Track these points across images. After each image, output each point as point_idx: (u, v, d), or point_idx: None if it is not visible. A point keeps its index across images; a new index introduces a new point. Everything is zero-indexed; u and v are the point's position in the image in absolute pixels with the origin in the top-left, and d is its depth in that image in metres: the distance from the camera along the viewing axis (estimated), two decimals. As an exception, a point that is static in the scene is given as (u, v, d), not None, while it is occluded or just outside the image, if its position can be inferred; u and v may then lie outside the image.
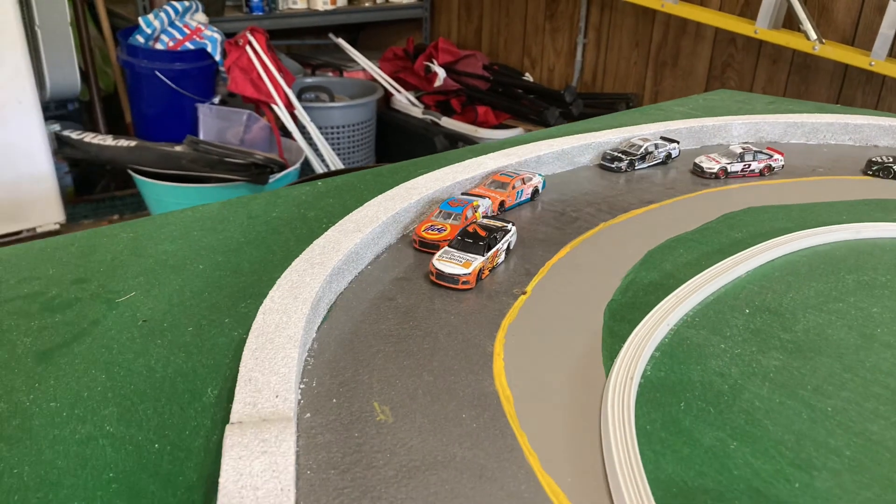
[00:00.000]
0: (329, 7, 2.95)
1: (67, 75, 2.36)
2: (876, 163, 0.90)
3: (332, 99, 2.68)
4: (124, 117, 2.77)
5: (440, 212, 0.69)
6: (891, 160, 0.90)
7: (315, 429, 0.43)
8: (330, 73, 2.99)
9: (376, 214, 0.66)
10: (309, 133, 2.47)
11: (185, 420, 0.44)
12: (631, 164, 0.88)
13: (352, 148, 2.68)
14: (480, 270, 0.61)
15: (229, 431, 0.38)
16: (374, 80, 2.90)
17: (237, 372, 0.44)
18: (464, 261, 0.60)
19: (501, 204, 0.75)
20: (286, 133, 2.45)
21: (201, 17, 2.58)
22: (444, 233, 0.66)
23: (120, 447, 0.42)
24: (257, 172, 2.14)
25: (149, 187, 2.14)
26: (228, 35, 2.47)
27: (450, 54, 2.96)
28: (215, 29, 2.49)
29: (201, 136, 2.40)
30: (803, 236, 0.71)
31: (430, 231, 0.66)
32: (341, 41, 2.93)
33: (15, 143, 1.94)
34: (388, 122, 2.84)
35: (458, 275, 0.59)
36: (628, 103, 2.57)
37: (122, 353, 0.50)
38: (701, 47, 2.40)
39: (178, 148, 2.16)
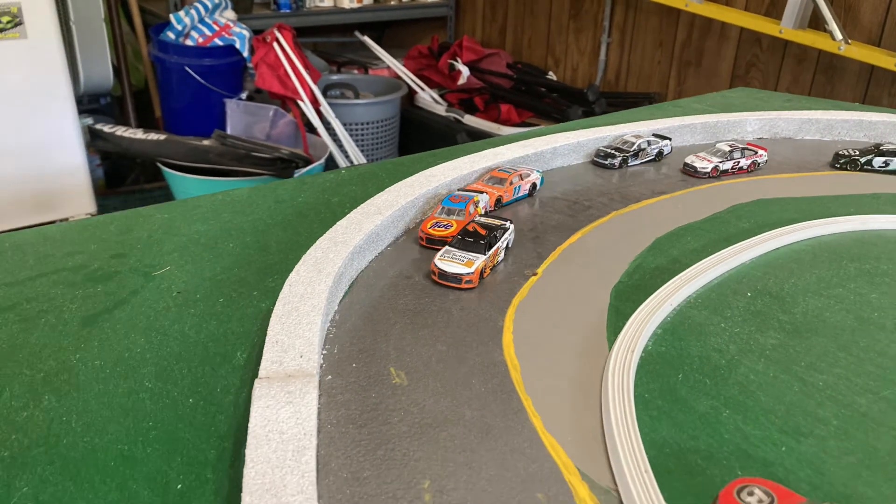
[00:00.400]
0: (355, 5, 3.00)
1: (101, 70, 2.43)
2: (843, 156, 0.92)
3: (356, 96, 2.72)
4: (154, 112, 2.84)
5: (442, 208, 0.70)
6: (857, 153, 0.92)
7: (335, 389, 0.46)
8: (355, 71, 3.04)
9: (396, 199, 0.69)
10: (334, 129, 2.52)
11: (216, 379, 0.48)
12: (624, 160, 0.89)
13: (376, 144, 2.73)
14: (482, 269, 0.61)
15: (258, 384, 0.42)
16: (399, 77, 2.94)
17: (264, 338, 0.48)
18: (466, 260, 0.60)
19: (499, 200, 0.76)
20: (311, 129, 2.50)
21: (230, 14, 2.64)
22: (451, 229, 0.67)
23: (158, 401, 0.46)
24: (283, 167, 2.19)
25: (177, 180, 2.20)
26: (256, 32, 2.53)
27: (474, 52, 2.99)
28: (244, 26, 2.55)
29: (229, 131, 2.45)
30: (809, 226, 0.73)
31: (436, 228, 0.68)
32: (367, 39, 2.98)
33: (50, 135, 2.00)
34: (411, 120, 2.88)
35: (462, 274, 0.59)
36: (651, 103, 2.58)
37: (158, 320, 0.55)
38: (725, 47, 2.40)
39: (206, 142, 2.21)
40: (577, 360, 0.51)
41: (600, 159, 0.90)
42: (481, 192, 0.74)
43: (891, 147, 0.92)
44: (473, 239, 0.62)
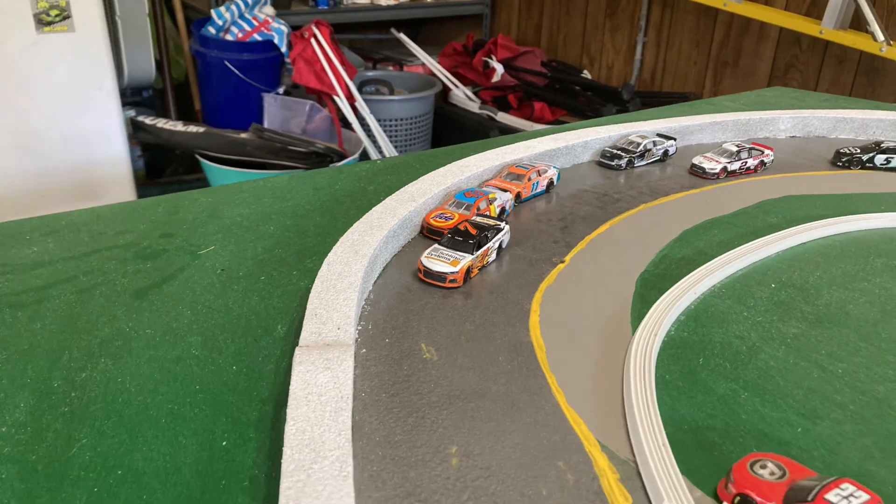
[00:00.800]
0: (392, 2, 3.03)
1: (144, 64, 2.49)
2: (844, 154, 0.92)
3: (391, 92, 2.76)
4: (194, 105, 2.91)
5: (454, 201, 0.71)
6: (858, 151, 0.92)
7: (369, 361, 0.49)
8: (391, 67, 3.07)
9: (429, 188, 0.72)
10: (368, 125, 2.55)
11: (258, 349, 0.51)
12: (630, 161, 0.88)
13: (409, 140, 2.76)
14: (469, 269, 0.60)
15: (298, 352, 0.45)
16: (433, 74, 2.97)
17: (303, 314, 0.51)
18: (452, 259, 0.59)
19: (518, 196, 0.76)
20: (346, 124, 2.54)
21: (269, 9, 2.69)
22: (451, 221, 0.68)
23: (204, 367, 0.49)
24: (317, 161, 2.23)
25: (215, 172, 2.25)
26: (294, 28, 2.57)
27: (508, 50, 3.01)
28: (282, 21, 2.60)
29: (266, 125, 2.50)
30: (838, 222, 0.73)
31: (437, 219, 0.68)
32: (402, 36, 3.01)
33: (94, 126, 2.06)
34: (445, 116, 2.90)
35: (446, 273, 0.59)
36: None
37: (204, 294, 0.58)
38: (764, 47, 2.38)
39: (243, 135, 2.26)
40: (601, 342, 0.53)
41: (606, 160, 0.89)
42: (503, 191, 0.74)
43: (891, 144, 0.92)
44: (463, 238, 0.61)
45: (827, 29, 2.05)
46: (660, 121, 0.99)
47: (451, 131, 2.90)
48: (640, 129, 0.95)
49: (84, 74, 1.99)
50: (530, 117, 2.77)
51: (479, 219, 0.66)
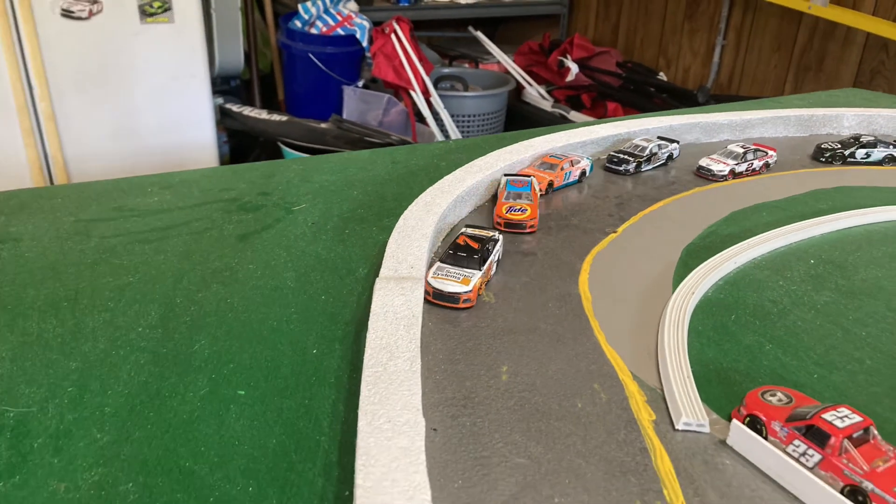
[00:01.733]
0: (470, 1, 3.11)
1: (234, 55, 2.65)
2: (826, 150, 0.93)
3: (466, 89, 2.83)
4: (278, 95, 3.07)
5: (509, 193, 0.72)
6: (839, 146, 0.93)
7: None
8: (466, 64, 3.15)
9: (496, 161, 0.79)
10: (442, 120, 2.64)
11: (342, 285, 0.59)
12: (638, 165, 0.87)
13: (481, 136, 2.83)
14: (479, 286, 0.57)
15: (378, 282, 0.53)
16: (508, 72, 3.03)
17: (382, 260, 0.59)
18: (461, 277, 0.56)
19: (550, 184, 0.80)
20: (421, 118, 2.63)
21: (353, 5, 2.82)
22: (527, 213, 0.69)
23: (298, 295, 0.58)
24: (393, 151, 2.33)
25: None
26: (376, 23, 2.68)
27: (584, 50, 3.04)
28: (364, 17, 2.71)
29: (344, 116, 2.62)
30: (887, 210, 0.77)
31: (513, 212, 0.69)
32: (480, 34, 3.09)
33: (186, 112, 2.20)
34: (517, 114, 2.96)
35: (459, 293, 0.55)
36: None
37: (296, 241, 0.67)
38: (849, 52, 2.34)
39: (323, 125, 2.38)
40: (642, 298, 0.59)
41: (613, 165, 0.87)
42: (529, 176, 0.76)
43: (869, 139, 0.94)
44: (466, 253, 0.58)
45: (914, 34, 2.01)
46: (723, 114, 1.03)
47: (522, 128, 2.95)
48: (701, 120, 1.00)
49: (180, 63, 2.13)
50: (603, 117, 2.80)
51: (474, 231, 0.63)
